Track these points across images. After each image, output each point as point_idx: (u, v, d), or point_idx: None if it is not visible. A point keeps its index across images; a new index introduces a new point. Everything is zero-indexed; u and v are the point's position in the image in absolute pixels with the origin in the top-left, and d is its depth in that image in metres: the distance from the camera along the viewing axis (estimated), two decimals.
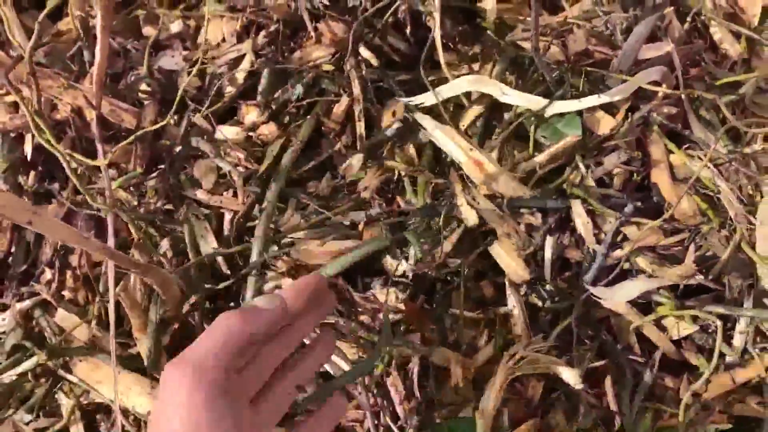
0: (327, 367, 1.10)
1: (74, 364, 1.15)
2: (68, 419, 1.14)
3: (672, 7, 1.29)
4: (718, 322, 1.04)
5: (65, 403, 1.16)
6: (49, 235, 0.83)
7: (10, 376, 1.17)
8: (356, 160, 1.19)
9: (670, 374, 1.13)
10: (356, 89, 1.21)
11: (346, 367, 1.10)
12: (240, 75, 1.24)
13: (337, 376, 1.02)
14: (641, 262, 1.10)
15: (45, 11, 1.07)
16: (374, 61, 1.23)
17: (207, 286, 1.12)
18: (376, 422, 1.13)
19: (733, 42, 1.31)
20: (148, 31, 1.33)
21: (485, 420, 1.07)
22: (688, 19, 1.27)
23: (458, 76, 1.20)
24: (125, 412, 1.11)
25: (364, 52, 1.23)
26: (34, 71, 1.05)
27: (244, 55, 1.26)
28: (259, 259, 1.12)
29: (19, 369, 1.16)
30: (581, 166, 1.16)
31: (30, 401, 1.16)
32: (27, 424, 1.14)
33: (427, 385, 1.11)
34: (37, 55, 1.29)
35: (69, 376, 1.15)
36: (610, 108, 1.19)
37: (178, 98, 1.10)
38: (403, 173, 1.17)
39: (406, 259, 1.13)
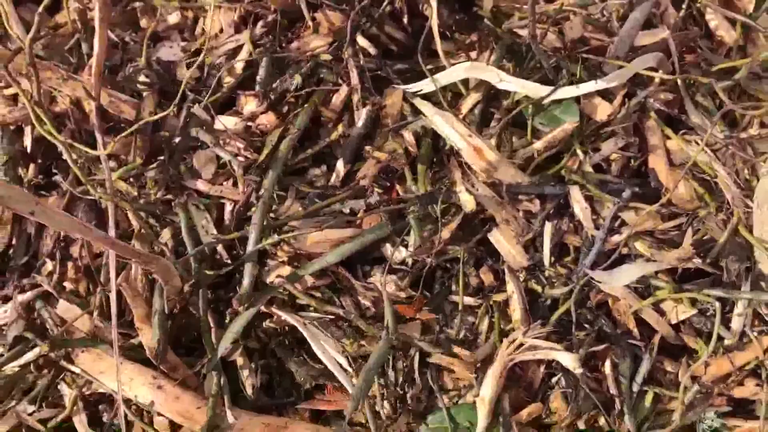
0: (324, 360, 1.11)
1: (76, 355, 1.16)
2: (71, 409, 1.14)
3: None
4: (717, 304, 1.05)
5: (68, 393, 1.16)
6: (51, 226, 0.84)
7: (12, 368, 1.17)
8: None
9: (669, 358, 1.14)
10: (354, 78, 1.22)
11: (342, 360, 1.11)
12: (238, 65, 1.24)
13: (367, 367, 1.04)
14: (640, 246, 1.11)
15: (43, 3, 1.07)
16: (372, 50, 1.23)
17: (209, 273, 1.13)
18: (377, 410, 1.14)
19: (729, 29, 1.32)
20: (146, 22, 1.34)
21: (486, 406, 1.08)
22: (684, 6, 1.27)
23: (455, 65, 1.21)
24: (128, 402, 1.11)
25: (362, 42, 1.23)
26: (34, 62, 1.05)
27: (243, 45, 1.26)
28: (256, 247, 1.12)
29: (22, 360, 1.17)
30: (579, 152, 1.17)
31: (33, 392, 1.16)
32: (30, 414, 1.15)
33: (427, 370, 1.12)
34: (36, 47, 1.28)
35: (71, 367, 1.15)
36: (607, 94, 1.19)
37: (181, 90, 1.10)
38: (402, 161, 1.18)
39: (406, 246, 1.14)
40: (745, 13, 1.32)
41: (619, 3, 1.24)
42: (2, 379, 1.16)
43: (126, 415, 1.09)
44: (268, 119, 1.21)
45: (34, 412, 1.15)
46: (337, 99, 1.23)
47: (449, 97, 1.23)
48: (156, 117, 1.10)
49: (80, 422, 1.15)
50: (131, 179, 1.21)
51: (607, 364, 1.11)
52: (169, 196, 1.20)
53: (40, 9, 1.04)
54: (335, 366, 1.10)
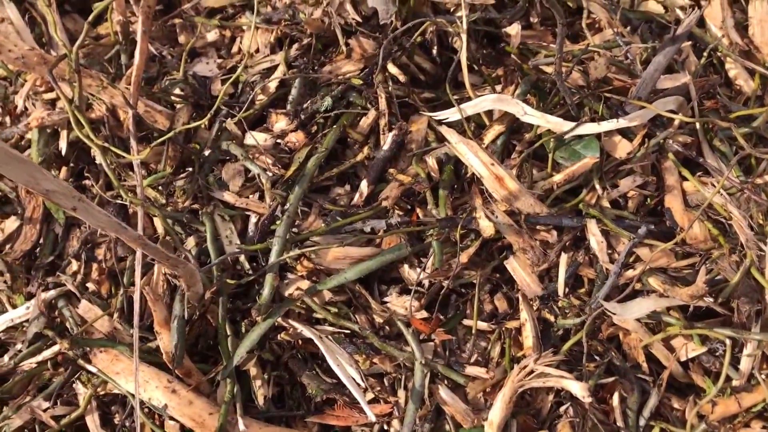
0: (339, 373, 1.12)
1: (94, 354, 1.18)
2: (85, 408, 1.16)
3: (689, 42, 1.34)
4: (728, 342, 1.06)
5: (82, 392, 1.18)
6: (90, 222, 0.87)
7: (30, 364, 1.19)
8: None
9: (676, 395, 1.15)
10: (383, 103, 1.26)
11: (356, 375, 1.13)
12: (272, 84, 1.28)
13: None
14: (653, 282, 1.13)
15: (93, 14, 1.12)
16: (401, 78, 1.27)
17: (230, 282, 1.15)
18: (385, 429, 1.15)
19: (748, 79, 1.36)
20: (185, 38, 1.38)
21: (494, 430, 1.09)
22: (705, 54, 1.32)
23: (481, 96, 1.24)
24: (141, 404, 1.13)
25: (392, 69, 1.27)
26: (79, 69, 1.10)
27: (277, 65, 1.30)
28: (278, 259, 1.15)
29: (39, 357, 1.19)
30: (598, 187, 1.20)
31: (48, 389, 1.18)
32: (44, 411, 1.17)
33: (437, 392, 1.13)
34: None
35: (88, 367, 1.17)
36: (627, 133, 1.23)
37: (216, 103, 1.15)
38: (424, 185, 1.21)
39: (423, 268, 1.16)
40: (764, 65, 1.36)
41: (643, 47, 1.29)
42: (19, 374, 1.19)
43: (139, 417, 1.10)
44: (297, 137, 1.24)
45: (48, 408, 1.17)
46: (365, 122, 1.27)
47: (473, 128, 1.26)
48: (190, 126, 1.14)
49: (93, 422, 1.17)
50: (160, 187, 1.24)
51: (615, 396, 1.13)
52: (196, 206, 1.23)
53: (90, 18, 1.09)
54: (349, 380, 1.11)
